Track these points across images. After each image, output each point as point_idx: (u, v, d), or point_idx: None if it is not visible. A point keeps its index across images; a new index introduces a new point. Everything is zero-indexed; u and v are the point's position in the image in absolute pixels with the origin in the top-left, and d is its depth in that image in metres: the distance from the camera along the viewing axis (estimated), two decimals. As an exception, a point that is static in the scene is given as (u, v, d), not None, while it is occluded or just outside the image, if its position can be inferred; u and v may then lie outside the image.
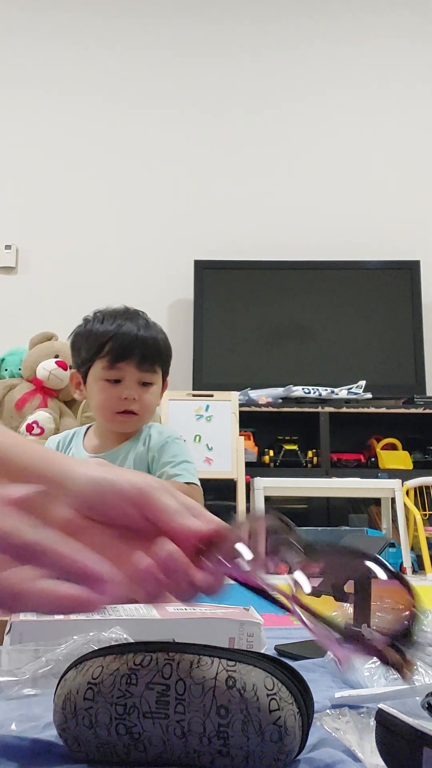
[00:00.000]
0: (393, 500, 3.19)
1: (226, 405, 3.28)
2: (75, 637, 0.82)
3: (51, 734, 0.69)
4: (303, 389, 3.47)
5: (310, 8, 4.17)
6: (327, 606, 0.56)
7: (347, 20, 4.17)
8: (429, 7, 4.18)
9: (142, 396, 1.52)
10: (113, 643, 0.82)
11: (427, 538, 3.07)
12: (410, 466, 3.42)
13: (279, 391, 3.47)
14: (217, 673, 0.53)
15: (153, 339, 1.55)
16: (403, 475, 3.26)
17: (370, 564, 0.51)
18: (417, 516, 3.10)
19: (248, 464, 3.23)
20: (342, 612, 1.23)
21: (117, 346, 1.50)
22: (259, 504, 3.13)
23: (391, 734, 0.48)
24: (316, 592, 1.12)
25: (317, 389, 3.48)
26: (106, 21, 4.14)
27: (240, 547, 0.55)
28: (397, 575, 0.49)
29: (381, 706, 0.50)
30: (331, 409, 3.43)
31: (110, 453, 1.55)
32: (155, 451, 1.56)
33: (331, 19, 4.17)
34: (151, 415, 1.57)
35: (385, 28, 4.16)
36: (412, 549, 3.13)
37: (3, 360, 3.49)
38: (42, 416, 3.00)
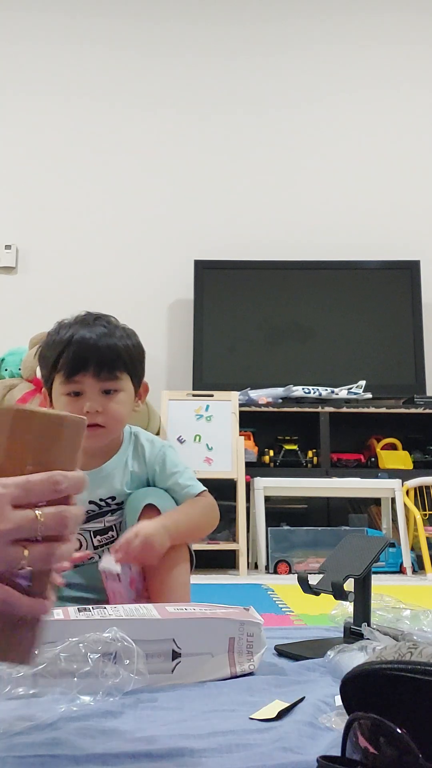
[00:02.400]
0: (393, 500, 3.19)
1: (226, 405, 3.28)
2: (72, 639, 0.82)
3: (51, 735, 0.69)
4: (303, 389, 3.47)
5: (311, 10, 4.17)
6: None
7: (347, 21, 4.16)
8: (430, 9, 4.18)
9: (107, 406, 1.40)
10: (112, 642, 0.82)
11: (427, 538, 3.07)
12: (410, 466, 3.42)
13: (279, 391, 3.46)
14: None
15: (110, 345, 1.41)
16: (403, 475, 3.26)
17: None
18: (417, 516, 3.10)
19: (248, 464, 3.23)
20: (342, 610, 1.23)
21: (70, 357, 1.39)
22: (259, 504, 3.13)
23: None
24: (315, 591, 1.12)
25: (317, 389, 3.48)
26: (105, 21, 4.13)
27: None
28: None
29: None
30: (331, 409, 3.43)
31: (96, 471, 1.46)
32: (156, 464, 1.50)
33: (331, 20, 4.16)
34: (122, 424, 1.47)
35: (384, 30, 4.16)
36: (412, 549, 3.13)
37: (3, 360, 3.49)
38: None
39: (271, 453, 3.46)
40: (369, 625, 1.04)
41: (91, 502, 1.47)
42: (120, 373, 1.42)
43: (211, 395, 3.31)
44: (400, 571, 3.03)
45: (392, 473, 3.31)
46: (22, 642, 0.60)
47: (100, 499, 1.47)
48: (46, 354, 1.44)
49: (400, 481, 3.19)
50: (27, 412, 0.60)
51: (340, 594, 1.06)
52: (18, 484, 0.57)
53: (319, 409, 3.43)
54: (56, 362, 1.41)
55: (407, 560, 3.03)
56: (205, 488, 1.51)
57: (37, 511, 0.57)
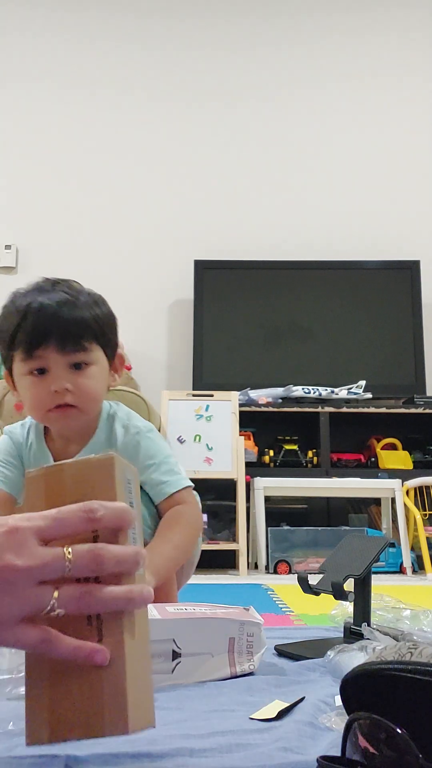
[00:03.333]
0: (393, 500, 3.19)
1: (226, 405, 3.28)
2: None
3: (50, 734, 0.68)
4: (303, 389, 3.47)
5: (310, 8, 4.17)
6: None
7: (348, 21, 4.16)
8: (430, 7, 4.18)
9: (76, 383, 1.23)
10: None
11: (427, 538, 3.07)
12: (410, 466, 3.42)
13: (279, 391, 3.46)
14: None
15: (73, 311, 1.23)
16: (403, 475, 3.26)
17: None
18: (417, 516, 3.10)
19: (248, 464, 3.23)
20: (342, 610, 1.23)
21: (29, 329, 1.21)
22: (259, 504, 3.13)
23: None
24: (315, 591, 1.12)
25: (317, 389, 3.48)
26: (105, 19, 4.13)
27: None
28: None
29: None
30: (331, 409, 3.43)
31: (81, 454, 1.29)
32: (128, 455, 1.30)
33: (332, 19, 4.16)
34: (98, 402, 1.29)
35: (386, 29, 4.16)
36: (412, 549, 3.13)
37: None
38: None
39: (271, 453, 3.46)
40: (369, 625, 1.04)
41: None
42: (88, 344, 1.24)
43: (211, 395, 3.31)
44: (400, 571, 3.03)
45: (392, 473, 3.31)
46: (111, 706, 0.53)
47: None
48: (1, 329, 1.25)
49: (400, 481, 3.19)
50: (56, 469, 0.58)
51: (340, 594, 1.06)
52: (46, 515, 0.53)
53: (319, 409, 3.43)
54: (13, 337, 1.23)
55: (407, 560, 3.03)
56: (185, 484, 1.33)
57: (66, 549, 0.52)
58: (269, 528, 3.09)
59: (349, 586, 1.08)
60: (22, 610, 0.51)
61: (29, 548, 0.51)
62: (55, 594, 0.51)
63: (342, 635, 1.11)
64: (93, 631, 0.53)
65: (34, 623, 0.52)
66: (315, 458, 3.43)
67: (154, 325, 3.89)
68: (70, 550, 0.52)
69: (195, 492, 1.39)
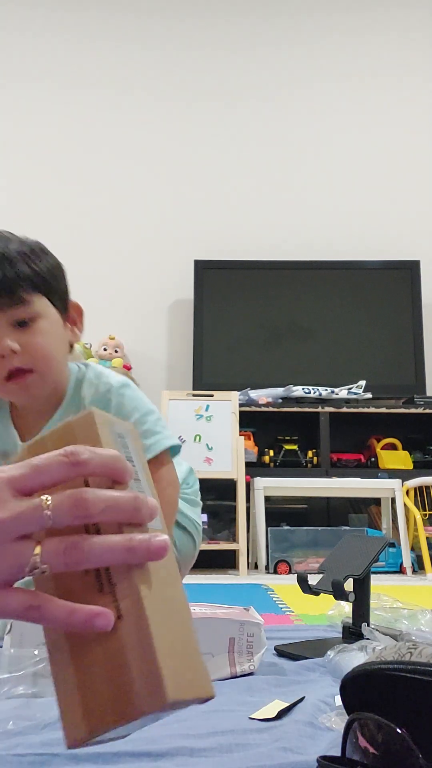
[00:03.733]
0: (393, 500, 3.19)
1: (226, 405, 3.28)
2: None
3: (51, 735, 0.69)
4: (303, 389, 3.47)
5: (310, 8, 4.17)
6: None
7: (347, 20, 4.16)
8: (429, 6, 4.18)
9: (24, 342, 1.08)
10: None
11: (427, 538, 3.07)
12: (410, 466, 3.42)
13: (279, 391, 3.46)
14: None
15: (5, 261, 1.08)
16: (403, 475, 3.26)
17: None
18: (417, 516, 3.10)
19: (248, 464, 3.23)
20: (339, 610, 1.23)
21: None
22: (259, 504, 3.13)
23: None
24: (315, 591, 1.12)
25: (317, 389, 3.48)
26: (105, 19, 4.13)
27: None
28: None
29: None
30: (331, 409, 3.43)
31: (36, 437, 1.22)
32: None
33: (332, 19, 4.16)
34: (55, 361, 1.13)
35: (386, 29, 4.16)
36: (412, 549, 3.13)
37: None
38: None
39: (271, 453, 3.46)
40: (368, 625, 1.04)
41: None
42: (27, 295, 1.09)
43: (211, 395, 3.31)
44: (400, 571, 3.03)
45: (392, 473, 3.31)
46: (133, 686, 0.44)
47: None
48: None
49: (400, 481, 3.19)
50: (37, 444, 0.50)
51: (340, 594, 1.06)
52: (22, 464, 0.46)
53: (319, 409, 3.43)
54: None
55: (407, 560, 3.03)
56: (166, 445, 1.19)
57: (44, 497, 0.44)
58: (269, 528, 3.09)
59: (347, 586, 1.08)
60: (1, 571, 0.44)
61: (1, 501, 0.44)
62: (37, 549, 0.44)
63: (341, 635, 1.11)
64: (107, 597, 0.45)
65: (25, 591, 0.45)
66: (315, 458, 3.43)
67: (154, 325, 3.89)
68: (48, 497, 0.44)
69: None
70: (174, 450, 1.23)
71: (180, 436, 3.19)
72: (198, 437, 3.20)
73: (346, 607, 1.14)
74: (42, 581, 0.47)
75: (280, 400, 3.46)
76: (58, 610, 0.44)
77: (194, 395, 3.34)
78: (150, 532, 0.47)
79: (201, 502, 1.48)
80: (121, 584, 0.45)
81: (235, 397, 3.30)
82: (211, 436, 3.19)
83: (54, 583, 0.47)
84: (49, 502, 0.44)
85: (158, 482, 1.12)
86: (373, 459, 3.49)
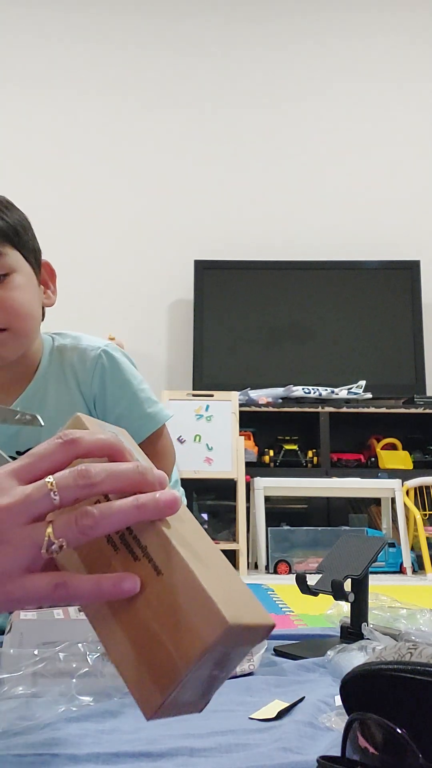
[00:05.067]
0: (393, 500, 3.19)
1: (226, 405, 3.28)
2: (73, 639, 0.82)
3: (51, 734, 0.69)
4: (303, 389, 3.47)
5: (309, 8, 4.17)
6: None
7: (346, 19, 4.16)
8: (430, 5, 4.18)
9: (1, 298, 1.01)
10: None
11: (427, 538, 3.07)
12: (410, 466, 3.42)
13: (279, 391, 3.46)
14: None
15: None
16: (403, 475, 3.26)
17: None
18: (417, 516, 3.10)
19: (248, 464, 3.23)
20: (338, 610, 1.23)
21: None
22: (259, 504, 3.13)
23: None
24: (313, 591, 1.12)
25: (317, 389, 3.48)
26: (107, 20, 4.13)
27: None
28: None
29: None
30: (331, 409, 3.43)
31: (18, 407, 1.08)
32: (94, 387, 1.10)
33: (330, 16, 4.16)
34: (31, 318, 1.05)
35: (384, 26, 4.16)
36: (412, 549, 3.13)
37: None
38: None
39: (271, 453, 3.46)
40: (367, 624, 1.04)
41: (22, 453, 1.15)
42: (2, 247, 1.02)
43: (211, 395, 3.31)
44: (400, 571, 3.03)
45: (392, 473, 3.31)
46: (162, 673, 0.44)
47: (19, 453, 1.07)
48: None
49: (400, 481, 3.19)
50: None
51: (340, 594, 1.06)
52: (21, 457, 0.48)
53: (319, 409, 3.43)
54: None
55: (407, 560, 3.04)
56: (168, 416, 1.17)
57: (47, 478, 0.46)
58: (269, 528, 3.09)
59: (346, 586, 1.08)
60: (20, 556, 0.46)
61: (6, 489, 0.46)
62: (49, 529, 0.46)
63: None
64: (143, 561, 0.46)
65: (50, 573, 0.47)
66: (315, 458, 3.43)
67: (154, 325, 3.89)
68: (51, 477, 0.46)
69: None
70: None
71: (180, 436, 3.19)
72: (198, 437, 3.20)
73: (345, 607, 1.14)
74: (74, 564, 0.48)
75: (280, 400, 3.46)
76: (84, 582, 0.46)
77: (194, 395, 3.34)
78: None
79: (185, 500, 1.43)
80: (152, 544, 0.46)
81: (235, 397, 3.30)
82: (211, 436, 3.19)
83: (87, 564, 0.48)
84: (52, 480, 0.46)
85: (163, 455, 1.10)
86: (373, 459, 3.49)
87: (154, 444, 1.12)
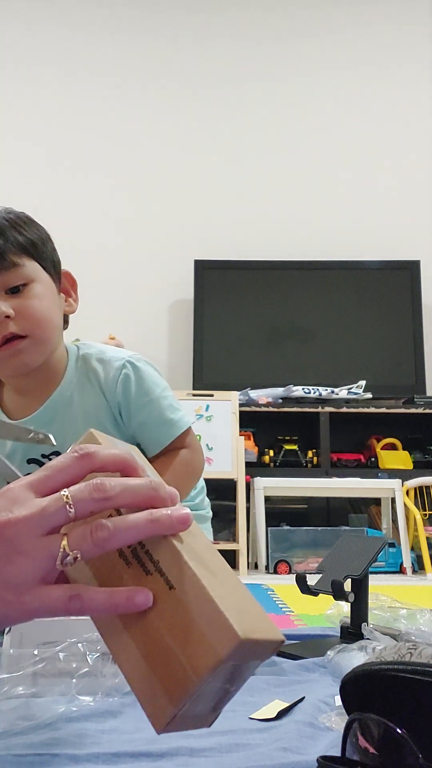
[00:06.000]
0: (393, 500, 3.19)
1: (226, 405, 3.27)
2: (71, 639, 0.82)
3: (51, 734, 0.69)
4: (303, 389, 3.47)
5: (312, 4, 4.17)
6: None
7: (347, 16, 4.16)
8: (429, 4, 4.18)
9: (21, 306, 1.05)
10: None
11: (427, 538, 3.07)
12: (410, 466, 3.42)
13: (279, 391, 3.46)
14: None
15: None
16: (403, 475, 3.26)
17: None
18: (417, 516, 3.10)
19: (248, 464, 3.23)
20: (338, 610, 1.23)
21: None
22: (259, 504, 3.13)
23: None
24: (313, 591, 1.12)
25: (317, 389, 3.48)
26: (108, 17, 4.13)
27: None
28: None
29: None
30: (331, 409, 3.43)
31: (33, 416, 1.12)
32: (118, 394, 1.12)
33: (333, 14, 4.16)
34: (51, 325, 1.09)
35: (386, 25, 4.15)
36: (412, 549, 3.13)
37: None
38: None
39: (271, 453, 3.46)
40: (367, 624, 1.04)
41: (30, 462, 1.15)
42: (18, 258, 1.06)
43: (211, 395, 3.31)
44: (400, 571, 3.03)
45: (392, 473, 3.31)
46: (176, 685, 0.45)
47: (43, 456, 1.14)
48: None
49: (400, 481, 3.19)
50: None
51: (340, 594, 1.06)
52: (38, 471, 0.50)
53: (319, 409, 3.43)
54: None
55: (407, 560, 3.03)
56: (190, 422, 1.18)
57: (63, 491, 0.47)
58: (269, 528, 3.09)
59: (346, 586, 1.07)
60: (36, 567, 0.47)
61: (24, 501, 0.47)
62: (64, 541, 0.47)
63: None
64: (155, 576, 0.47)
65: (64, 585, 0.48)
66: (315, 458, 3.43)
67: (154, 325, 3.89)
68: (66, 490, 0.47)
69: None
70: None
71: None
72: (198, 437, 3.20)
73: (345, 607, 1.14)
74: (86, 578, 0.49)
75: (280, 400, 3.46)
76: (98, 595, 0.47)
77: (194, 395, 3.34)
78: None
79: (211, 514, 1.39)
80: (164, 559, 0.47)
81: (235, 397, 3.30)
82: (211, 436, 3.19)
83: (99, 579, 0.49)
84: (68, 494, 0.47)
85: (187, 462, 1.11)
86: (373, 459, 3.49)
87: (177, 450, 1.14)
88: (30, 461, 1.14)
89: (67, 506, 0.47)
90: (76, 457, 0.49)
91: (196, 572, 0.46)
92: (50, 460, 1.07)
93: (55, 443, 0.79)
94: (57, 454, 1.12)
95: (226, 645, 0.44)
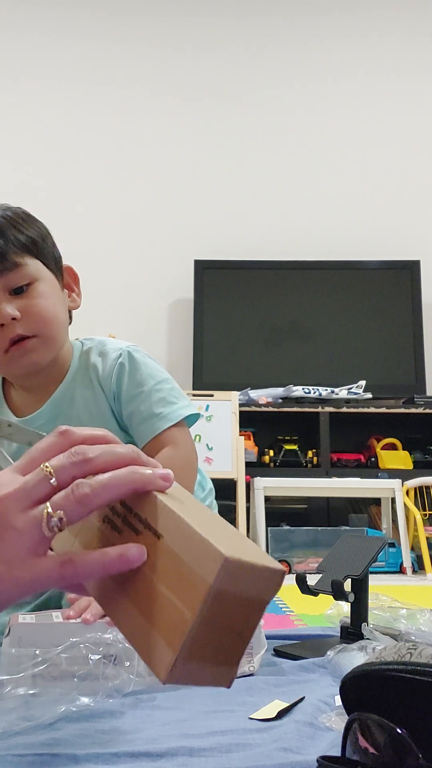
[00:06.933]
0: (393, 500, 3.19)
1: (226, 405, 3.27)
2: (73, 639, 0.82)
3: (51, 734, 0.69)
4: (303, 389, 3.47)
5: (311, 6, 4.17)
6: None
7: (348, 18, 4.16)
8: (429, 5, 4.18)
9: (26, 306, 1.04)
10: (113, 644, 0.82)
11: (427, 538, 3.07)
12: (410, 466, 3.42)
13: (279, 391, 3.46)
14: None
15: None
16: (403, 475, 3.26)
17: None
18: (417, 516, 3.10)
19: (248, 464, 3.23)
20: (338, 610, 1.23)
21: None
22: (259, 504, 3.13)
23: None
24: (313, 591, 1.12)
25: (317, 389, 3.48)
26: (109, 17, 4.13)
27: None
28: None
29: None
30: (331, 409, 3.43)
31: (37, 414, 1.12)
32: (113, 385, 1.11)
33: (332, 17, 4.16)
34: (57, 324, 1.08)
35: (385, 27, 4.15)
36: (412, 549, 3.13)
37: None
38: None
39: (271, 453, 3.46)
40: (367, 624, 1.04)
41: None
42: (20, 258, 1.05)
43: (211, 395, 3.31)
44: (400, 571, 3.03)
45: (392, 473, 3.31)
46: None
47: None
48: None
49: (400, 481, 3.19)
50: None
51: (340, 594, 1.06)
52: (25, 453, 0.51)
53: (319, 409, 3.43)
54: None
55: (407, 560, 3.03)
56: (183, 414, 1.13)
57: (43, 464, 0.48)
58: (269, 528, 3.09)
59: (346, 586, 1.08)
60: (24, 539, 0.47)
61: (9, 482, 0.48)
62: (47, 505, 0.47)
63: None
64: (146, 533, 0.47)
65: (55, 555, 0.48)
66: (315, 458, 3.43)
67: (154, 325, 3.89)
68: (47, 463, 0.48)
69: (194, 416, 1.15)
70: (191, 419, 1.17)
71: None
72: (198, 437, 3.20)
73: (345, 607, 1.14)
74: (68, 547, 0.49)
75: (280, 400, 3.46)
76: (90, 556, 0.47)
77: (194, 395, 3.33)
78: None
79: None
80: (151, 515, 0.47)
81: (235, 397, 3.30)
82: (211, 436, 3.19)
83: (83, 544, 0.49)
84: (47, 464, 0.48)
85: (174, 458, 1.06)
86: (373, 459, 3.49)
87: (164, 444, 1.10)
88: None
89: (48, 475, 0.47)
90: (55, 434, 0.50)
91: (180, 514, 0.45)
92: None
93: None
94: None
95: (213, 568, 0.42)
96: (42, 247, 1.09)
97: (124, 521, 0.48)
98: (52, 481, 0.47)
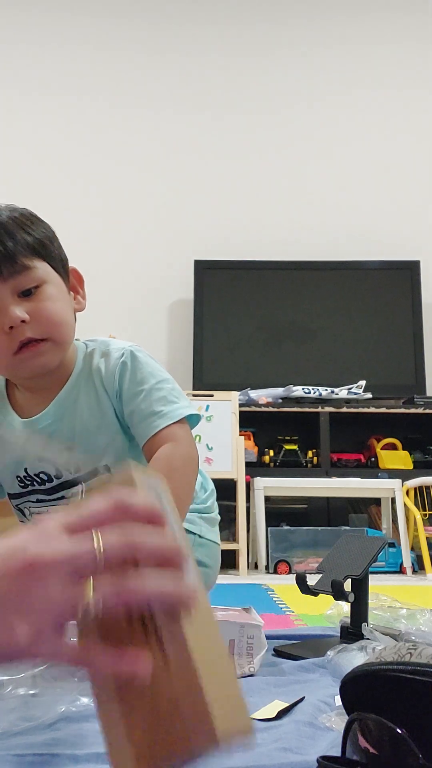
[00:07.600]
0: (393, 500, 3.19)
1: (226, 405, 3.27)
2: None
3: (51, 734, 0.69)
4: (303, 389, 3.47)
5: (311, 12, 4.17)
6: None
7: (349, 22, 4.16)
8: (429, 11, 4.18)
9: (33, 310, 1.03)
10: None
11: (427, 538, 3.07)
12: (410, 466, 3.42)
13: (279, 391, 3.46)
14: None
15: (3, 229, 1.03)
16: (403, 475, 3.26)
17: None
18: (417, 516, 3.10)
19: (248, 464, 3.23)
20: (338, 610, 1.23)
21: None
22: (259, 504, 3.13)
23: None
24: (313, 591, 1.12)
25: (317, 389, 3.48)
26: (106, 22, 4.13)
27: None
28: None
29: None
30: (331, 409, 3.43)
31: (39, 417, 1.12)
32: (115, 384, 1.11)
33: (333, 21, 4.16)
34: (66, 325, 1.08)
35: (385, 32, 4.15)
36: (412, 549, 3.13)
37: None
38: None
39: (271, 453, 3.46)
40: (367, 624, 1.04)
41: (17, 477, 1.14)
42: (28, 261, 1.04)
43: (211, 395, 3.31)
44: (400, 571, 3.03)
45: (392, 473, 3.31)
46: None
47: (30, 475, 1.13)
48: None
49: (400, 481, 3.19)
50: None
51: (340, 594, 1.06)
52: (73, 510, 0.49)
53: (319, 409, 3.43)
54: None
55: (407, 560, 3.04)
56: (182, 414, 1.10)
57: (96, 541, 0.46)
58: (269, 528, 3.09)
59: (346, 586, 1.07)
60: (57, 611, 0.45)
61: (56, 540, 0.46)
62: (90, 586, 0.45)
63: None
64: (152, 643, 0.47)
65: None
66: (315, 458, 3.43)
67: (154, 325, 3.89)
68: (101, 541, 0.46)
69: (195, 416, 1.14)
70: (193, 420, 1.14)
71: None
72: (198, 437, 3.20)
73: (345, 607, 1.14)
74: (87, 630, 0.48)
75: (280, 400, 3.46)
76: (105, 658, 0.46)
77: (194, 395, 3.33)
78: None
79: (219, 518, 1.34)
80: (169, 638, 0.46)
81: (235, 397, 3.30)
82: (211, 436, 3.19)
83: (99, 631, 0.48)
84: (101, 545, 0.46)
85: (168, 467, 1.03)
86: (373, 459, 3.49)
87: (157, 446, 1.08)
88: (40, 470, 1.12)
89: (97, 549, 0.46)
90: (112, 504, 0.48)
91: (194, 657, 0.45)
92: (38, 479, 1.11)
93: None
94: (44, 473, 1.11)
95: (204, 746, 0.44)
96: (50, 249, 1.09)
97: (143, 622, 0.47)
98: (99, 564, 0.46)
